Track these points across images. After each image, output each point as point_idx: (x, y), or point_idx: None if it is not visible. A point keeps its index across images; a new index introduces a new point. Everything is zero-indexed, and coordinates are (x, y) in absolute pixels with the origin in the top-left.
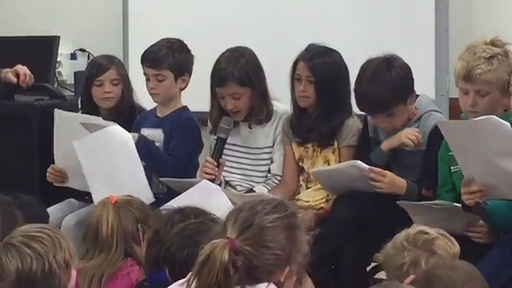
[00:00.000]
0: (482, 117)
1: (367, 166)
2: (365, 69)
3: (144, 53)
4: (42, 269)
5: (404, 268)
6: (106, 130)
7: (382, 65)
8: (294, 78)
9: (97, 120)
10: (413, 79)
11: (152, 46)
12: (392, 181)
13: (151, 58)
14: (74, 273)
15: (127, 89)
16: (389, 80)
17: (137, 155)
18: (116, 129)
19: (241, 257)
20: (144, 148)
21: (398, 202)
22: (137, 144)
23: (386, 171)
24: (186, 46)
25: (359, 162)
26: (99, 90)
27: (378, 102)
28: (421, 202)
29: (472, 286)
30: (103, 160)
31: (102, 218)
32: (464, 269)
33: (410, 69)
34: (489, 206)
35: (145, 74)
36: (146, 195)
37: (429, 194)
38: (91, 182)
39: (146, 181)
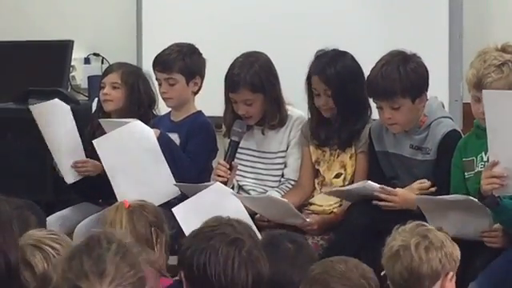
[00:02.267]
0: None
1: (377, 186)
2: (381, 58)
3: (155, 58)
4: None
5: (394, 248)
6: (128, 126)
7: (398, 56)
8: (311, 92)
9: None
10: (427, 81)
11: (162, 50)
12: (403, 198)
13: (161, 62)
14: None
15: (130, 95)
16: (401, 69)
17: (159, 150)
18: (138, 124)
19: None
20: (164, 145)
21: (415, 198)
22: (158, 140)
23: (396, 189)
24: (196, 49)
25: (369, 182)
26: (101, 92)
27: (384, 88)
28: (436, 197)
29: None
30: (125, 157)
31: (115, 223)
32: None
33: (427, 71)
34: (503, 203)
35: (157, 79)
36: (171, 189)
37: None
38: (114, 180)
39: (170, 175)
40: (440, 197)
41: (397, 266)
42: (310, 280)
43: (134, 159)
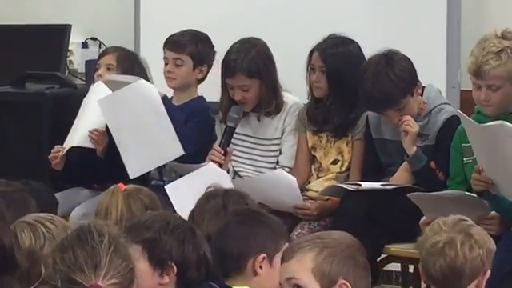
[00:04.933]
0: (494, 123)
1: (376, 186)
2: (366, 69)
3: (168, 37)
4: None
5: (439, 245)
6: (132, 85)
7: (381, 61)
8: (310, 68)
9: (122, 78)
10: (415, 70)
11: (177, 32)
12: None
13: (173, 42)
14: None
15: None
16: (391, 75)
17: (163, 109)
18: (142, 83)
19: None
20: (167, 109)
21: (409, 195)
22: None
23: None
24: (210, 39)
25: (364, 184)
26: (96, 74)
27: (384, 99)
28: (432, 193)
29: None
30: (130, 117)
31: (111, 206)
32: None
33: (410, 61)
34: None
35: (164, 57)
36: (175, 148)
37: (439, 173)
38: (119, 141)
39: (174, 133)
40: (435, 193)
41: (439, 262)
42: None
43: (138, 119)
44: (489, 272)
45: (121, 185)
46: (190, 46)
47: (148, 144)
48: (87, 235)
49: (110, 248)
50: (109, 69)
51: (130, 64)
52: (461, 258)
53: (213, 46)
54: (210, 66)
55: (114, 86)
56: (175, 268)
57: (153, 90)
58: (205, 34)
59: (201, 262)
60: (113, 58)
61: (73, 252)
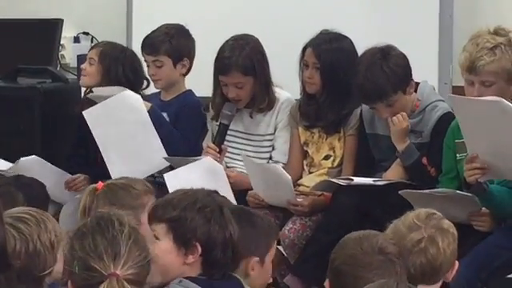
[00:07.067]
0: (492, 98)
1: (368, 181)
2: (361, 60)
3: (143, 40)
4: (26, 249)
5: (422, 243)
6: (118, 96)
7: (377, 55)
8: (303, 64)
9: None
10: (410, 68)
11: (151, 32)
12: (400, 130)
13: (148, 45)
14: (60, 254)
15: (105, 75)
16: (385, 69)
17: (149, 120)
18: (127, 94)
19: None
20: (155, 119)
21: (400, 192)
22: (148, 113)
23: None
24: (185, 30)
25: (355, 179)
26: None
27: (375, 92)
28: (424, 191)
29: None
30: (115, 128)
31: (91, 205)
32: None
33: (406, 58)
34: (490, 189)
35: (145, 61)
36: (161, 160)
37: (431, 168)
38: (105, 152)
39: (160, 144)
40: (426, 191)
41: (420, 259)
42: (334, 271)
43: (124, 130)
44: (457, 263)
45: (99, 183)
46: (164, 46)
47: (133, 155)
48: (108, 223)
49: (131, 238)
50: (90, 63)
51: (112, 61)
52: (442, 255)
53: (189, 35)
54: (192, 57)
55: (100, 99)
56: (199, 248)
57: (138, 100)
58: (179, 27)
59: (227, 243)
60: (95, 54)
61: (93, 239)
